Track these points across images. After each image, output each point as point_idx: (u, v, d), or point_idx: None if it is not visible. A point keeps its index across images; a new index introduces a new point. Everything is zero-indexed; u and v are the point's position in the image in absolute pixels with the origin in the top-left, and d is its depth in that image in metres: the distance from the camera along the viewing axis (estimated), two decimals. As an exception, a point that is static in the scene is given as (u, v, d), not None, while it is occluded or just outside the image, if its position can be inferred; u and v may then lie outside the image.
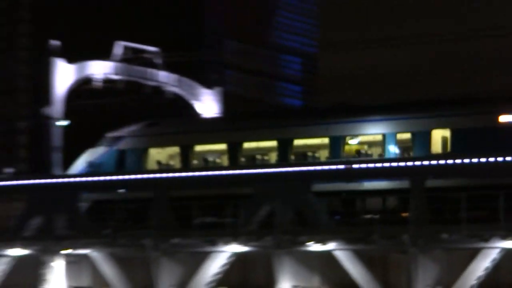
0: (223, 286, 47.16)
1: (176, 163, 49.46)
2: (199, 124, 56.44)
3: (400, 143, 44.54)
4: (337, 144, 45.52)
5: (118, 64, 58.09)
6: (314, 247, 42.21)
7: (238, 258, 44.26)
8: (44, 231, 48.42)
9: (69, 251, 48.25)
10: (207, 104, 61.21)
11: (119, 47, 58.32)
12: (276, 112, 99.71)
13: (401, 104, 49.18)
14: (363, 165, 42.77)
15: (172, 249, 44.82)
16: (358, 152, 45.61)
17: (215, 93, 62.46)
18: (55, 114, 53.41)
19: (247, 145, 48.30)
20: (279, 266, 42.70)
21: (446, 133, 43.62)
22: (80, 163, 51.01)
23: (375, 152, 45.62)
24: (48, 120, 53.21)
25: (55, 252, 47.49)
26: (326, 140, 45.70)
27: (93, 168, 50.28)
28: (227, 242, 43.39)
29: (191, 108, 61.09)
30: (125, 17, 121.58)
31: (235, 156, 47.92)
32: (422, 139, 43.30)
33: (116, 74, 57.83)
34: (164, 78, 59.95)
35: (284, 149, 47.17)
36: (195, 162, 48.95)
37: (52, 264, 47.80)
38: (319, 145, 46.71)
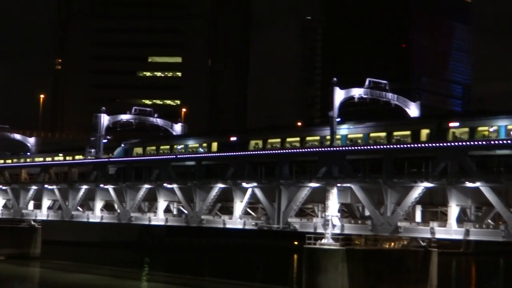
0: (419, 204, 63.85)
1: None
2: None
3: None
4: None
5: (366, 90, 73.89)
6: (468, 184, 59.03)
7: (427, 190, 61.87)
8: (326, 174, 66.83)
9: (339, 184, 66.27)
10: (412, 110, 78.42)
11: (367, 81, 74.48)
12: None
13: None
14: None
15: (393, 184, 63.07)
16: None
17: (416, 105, 78.94)
18: (334, 114, 70.24)
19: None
20: (449, 193, 60.40)
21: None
22: (117, 151, 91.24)
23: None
24: (331, 118, 69.68)
25: (333, 185, 66.53)
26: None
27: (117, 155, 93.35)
28: (422, 181, 61.22)
29: (405, 112, 77.54)
30: (368, 66, 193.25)
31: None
32: None
33: (365, 94, 73.42)
34: (390, 96, 76.03)
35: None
36: None
37: (332, 190, 66.36)
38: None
